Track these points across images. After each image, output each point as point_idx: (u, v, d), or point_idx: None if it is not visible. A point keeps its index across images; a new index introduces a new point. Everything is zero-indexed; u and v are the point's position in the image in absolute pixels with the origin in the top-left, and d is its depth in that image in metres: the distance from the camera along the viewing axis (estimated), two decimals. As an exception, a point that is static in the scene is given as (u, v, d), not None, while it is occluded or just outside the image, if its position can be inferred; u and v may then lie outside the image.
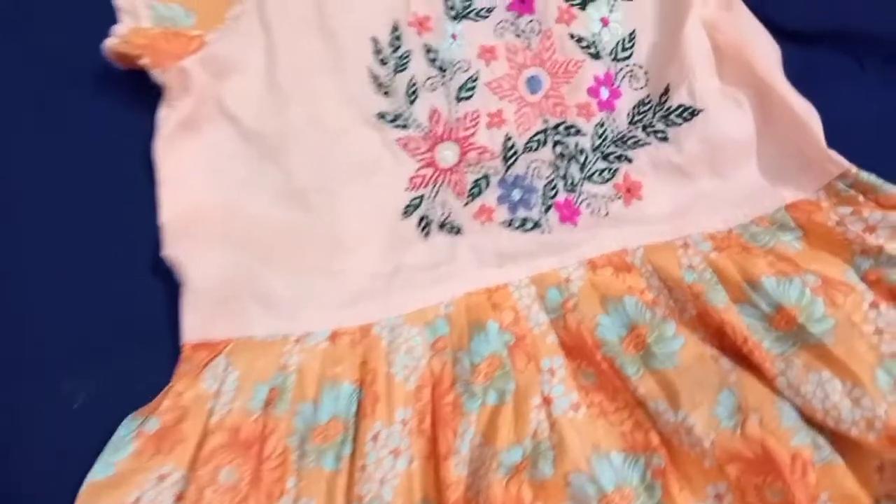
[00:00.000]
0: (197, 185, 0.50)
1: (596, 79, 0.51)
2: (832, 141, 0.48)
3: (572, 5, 0.52)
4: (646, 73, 0.51)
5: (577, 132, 0.51)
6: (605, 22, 0.52)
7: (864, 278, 0.45)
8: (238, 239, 0.49)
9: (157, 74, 0.50)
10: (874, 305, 0.44)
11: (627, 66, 0.52)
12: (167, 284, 0.48)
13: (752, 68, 0.49)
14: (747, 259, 0.46)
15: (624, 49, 0.52)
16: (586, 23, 0.52)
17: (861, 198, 0.47)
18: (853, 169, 0.47)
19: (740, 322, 0.44)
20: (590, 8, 0.52)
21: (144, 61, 0.50)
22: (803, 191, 0.48)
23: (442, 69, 0.52)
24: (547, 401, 0.44)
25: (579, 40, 0.52)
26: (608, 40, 0.52)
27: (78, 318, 0.49)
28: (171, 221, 0.48)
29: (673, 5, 0.51)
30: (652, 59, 0.52)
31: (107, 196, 0.52)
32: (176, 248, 0.48)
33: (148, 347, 0.48)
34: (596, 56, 0.52)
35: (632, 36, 0.52)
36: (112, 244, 0.50)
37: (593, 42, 0.52)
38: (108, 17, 0.52)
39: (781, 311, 0.44)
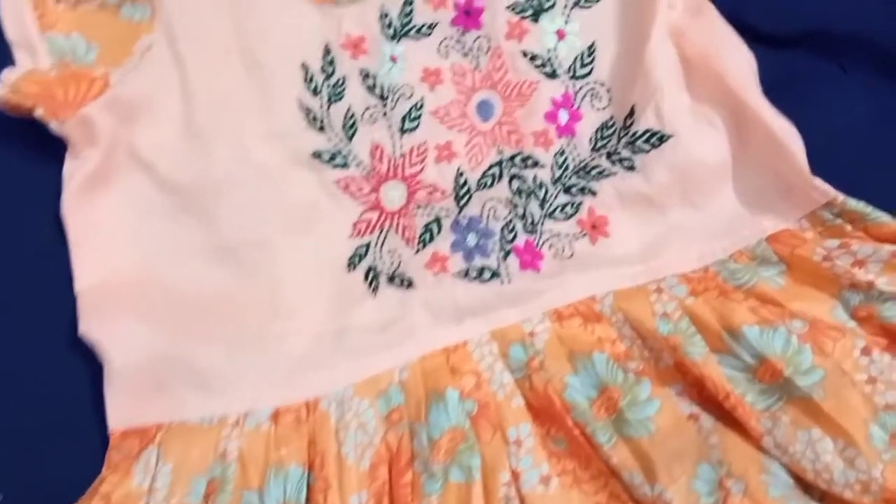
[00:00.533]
0: (114, 247, 0.45)
1: (553, 101, 0.46)
2: (815, 150, 0.44)
3: (523, 17, 0.46)
4: (608, 90, 0.46)
5: (536, 164, 0.46)
6: (560, 35, 0.47)
7: (853, 315, 0.42)
8: (162, 310, 0.44)
9: (56, 126, 0.44)
10: (866, 352, 0.41)
11: (588, 84, 0.46)
12: (89, 363, 0.44)
13: (724, 83, 0.44)
14: (726, 305, 0.42)
15: (583, 65, 0.47)
16: (540, 37, 0.47)
17: (849, 227, 0.43)
18: (839, 197, 0.43)
19: (721, 376, 0.41)
20: (543, 19, 0.47)
21: (39, 112, 0.44)
22: (785, 219, 0.44)
23: (382, 97, 0.47)
24: (515, 475, 0.40)
25: (533, 58, 0.46)
26: (565, 55, 0.47)
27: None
28: (87, 292, 0.44)
29: (636, 13, 0.46)
30: (615, 75, 0.46)
31: (12, 264, 0.46)
32: (94, 323, 0.43)
33: (71, 436, 0.43)
34: (552, 75, 0.46)
35: (591, 50, 0.47)
36: (22, 322, 0.45)
37: (549, 59, 0.46)
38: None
39: (766, 363, 0.41)
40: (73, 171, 0.45)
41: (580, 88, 0.46)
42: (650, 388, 0.42)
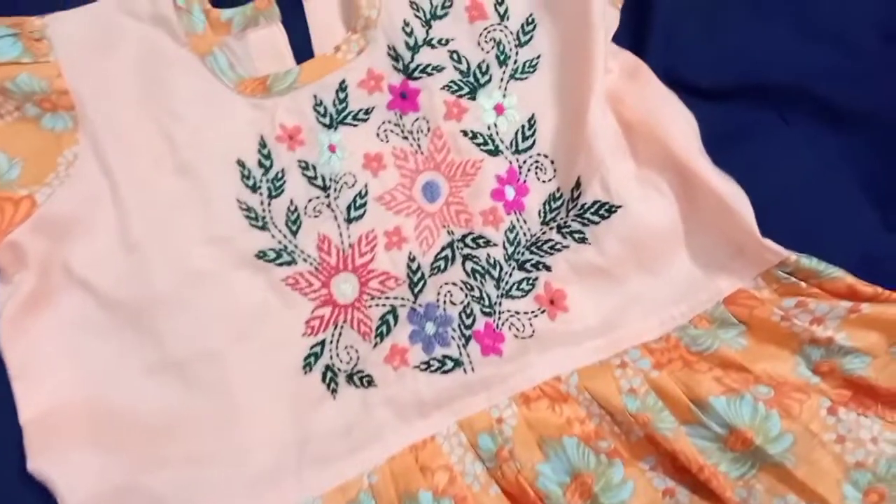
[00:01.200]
0: (56, 372, 0.43)
1: (498, 178, 0.45)
2: (762, 205, 0.44)
3: (460, 96, 0.46)
4: (552, 162, 0.46)
5: (487, 243, 0.45)
6: (499, 110, 0.46)
7: (815, 370, 0.43)
8: (113, 436, 0.42)
9: None
10: (832, 411, 0.41)
11: (531, 157, 0.46)
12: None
13: (667, 148, 0.44)
14: (692, 377, 0.42)
15: (524, 138, 0.46)
16: (479, 115, 0.46)
17: (803, 284, 0.43)
18: (792, 256, 0.43)
19: (693, 450, 0.41)
20: (480, 96, 0.46)
21: None
22: (740, 278, 0.44)
23: (324, 187, 0.45)
24: None
25: (473, 137, 0.46)
26: (506, 130, 0.46)
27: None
28: (31, 423, 0.42)
29: (573, 81, 0.46)
30: (557, 145, 0.46)
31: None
32: (42, 458, 0.41)
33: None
34: (495, 152, 0.46)
35: (531, 122, 0.46)
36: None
37: (490, 136, 0.46)
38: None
39: (735, 433, 0.41)
40: (6, 299, 0.43)
41: (524, 162, 0.46)
42: (623, 470, 0.41)
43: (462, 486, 0.41)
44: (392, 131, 0.46)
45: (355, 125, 0.46)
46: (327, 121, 0.46)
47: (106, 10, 0.46)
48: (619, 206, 0.44)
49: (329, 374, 0.44)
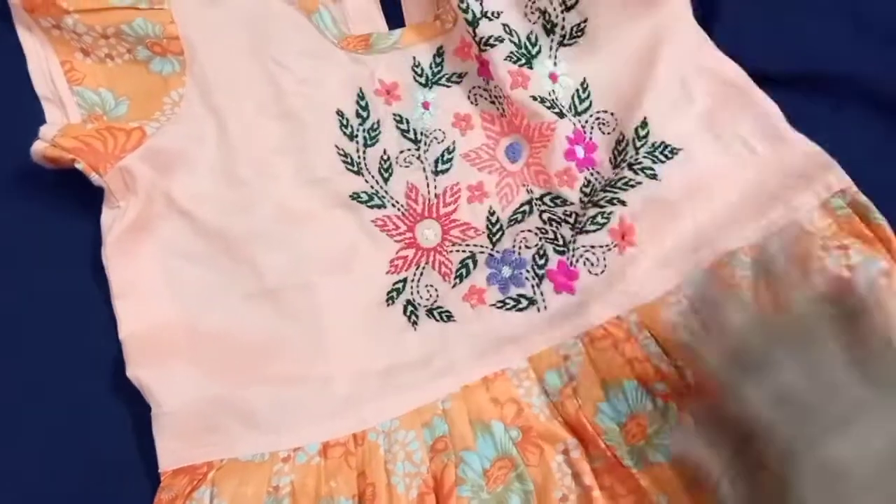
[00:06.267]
0: (157, 295, 0.45)
1: (568, 139, 0.48)
2: None
3: (521, 66, 0.49)
4: (612, 114, 0.49)
5: (564, 202, 0.48)
6: (553, 78, 0.49)
7: None
8: (209, 353, 0.45)
9: (96, 178, 0.46)
10: None
11: (591, 115, 0.49)
12: (134, 406, 0.44)
13: (743, 91, 0.48)
14: None
15: (581, 100, 0.49)
16: (540, 82, 0.49)
17: (856, 220, 0.45)
18: (853, 186, 0.45)
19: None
20: (536, 65, 0.49)
21: (79, 165, 0.45)
22: (795, 210, 0.45)
23: (415, 140, 0.49)
24: (564, 498, 0.42)
25: (542, 101, 0.48)
26: (563, 96, 0.49)
27: (34, 453, 0.44)
28: (131, 338, 0.44)
29: (628, 35, 0.49)
30: (617, 99, 0.49)
31: (52, 312, 0.47)
32: (140, 368, 0.44)
33: (119, 479, 0.44)
34: (561, 115, 0.48)
35: (584, 86, 0.49)
36: (66, 367, 0.46)
37: (553, 101, 0.49)
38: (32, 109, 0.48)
39: None
40: (113, 221, 0.46)
41: (586, 122, 0.49)
42: (676, 414, 0.43)
43: (530, 417, 0.44)
44: (481, 95, 0.50)
45: (448, 87, 0.50)
46: (423, 80, 0.50)
47: None
48: (687, 152, 0.47)
49: (409, 308, 0.47)
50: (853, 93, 0.51)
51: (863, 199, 0.45)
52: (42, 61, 0.49)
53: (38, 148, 0.45)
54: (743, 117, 0.48)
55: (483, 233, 0.48)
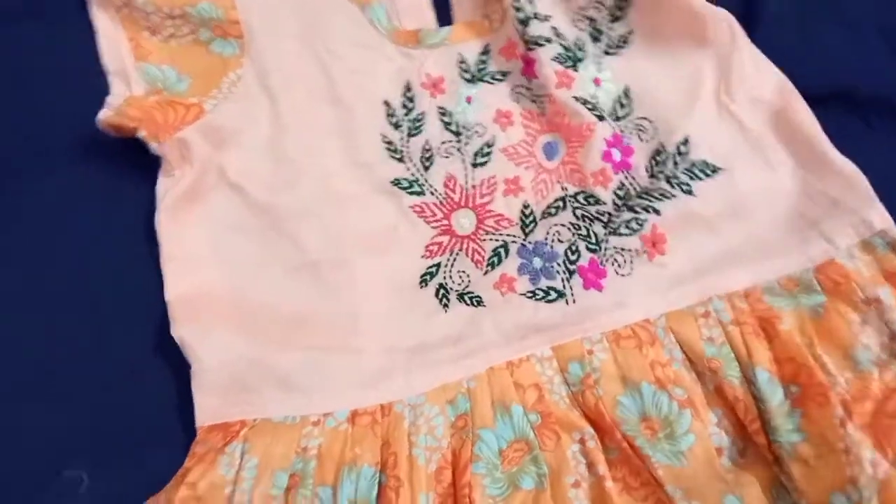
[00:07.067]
0: (204, 261, 0.48)
1: (606, 141, 0.50)
2: None
3: (566, 67, 0.51)
4: (651, 122, 0.51)
5: (598, 201, 0.50)
6: (597, 82, 0.52)
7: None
8: (249, 319, 0.47)
9: (155, 147, 0.48)
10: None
11: (631, 121, 0.51)
12: (175, 364, 0.46)
13: (790, 116, 0.50)
14: (753, 343, 0.45)
15: (622, 106, 0.51)
16: (584, 84, 0.51)
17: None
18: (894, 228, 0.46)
19: (751, 401, 0.44)
20: (580, 68, 0.51)
21: (141, 133, 0.48)
22: (836, 246, 0.47)
23: (457, 133, 0.51)
24: (576, 484, 0.43)
25: (585, 102, 0.51)
26: (604, 100, 0.51)
27: (82, 403, 0.46)
28: (177, 300, 0.46)
29: (673, 51, 0.51)
30: (657, 108, 0.51)
31: (105, 272, 0.49)
32: (184, 328, 0.46)
33: (158, 431, 0.46)
34: (601, 117, 0.51)
35: (627, 93, 0.52)
36: (114, 323, 0.48)
37: (595, 104, 0.51)
38: (97, 80, 0.51)
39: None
40: (168, 189, 0.48)
41: (626, 127, 0.51)
42: (690, 422, 0.44)
43: (550, 403, 0.45)
44: (523, 94, 0.52)
45: (492, 83, 0.52)
46: (468, 76, 0.52)
47: None
48: (728, 172, 0.49)
49: (441, 291, 0.49)
50: (885, 109, 0.53)
51: None
52: (111, 37, 0.52)
53: (105, 115, 0.48)
54: (788, 142, 0.50)
55: (517, 224, 0.50)
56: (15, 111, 0.52)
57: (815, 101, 0.51)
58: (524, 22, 0.51)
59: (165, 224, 0.48)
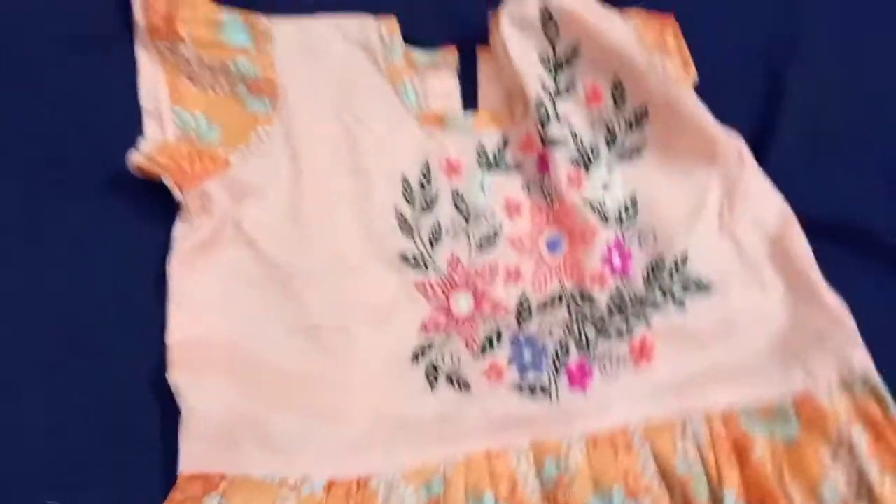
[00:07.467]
0: (209, 310, 0.49)
1: (608, 245, 0.52)
2: None
3: (578, 168, 0.53)
4: (654, 233, 0.52)
5: (592, 301, 0.52)
6: (606, 187, 0.53)
7: None
8: (245, 373, 0.48)
9: (178, 194, 0.50)
10: None
11: (634, 229, 0.53)
12: (165, 406, 0.47)
13: (787, 247, 0.51)
14: (727, 462, 0.47)
15: (628, 213, 0.53)
16: (593, 187, 0.53)
17: (874, 407, 0.47)
18: (876, 376, 0.48)
19: None
20: (592, 171, 0.53)
21: (167, 181, 0.50)
22: (815, 379, 0.48)
23: (467, 216, 0.53)
24: None
25: (592, 205, 0.53)
26: (611, 205, 0.53)
27: (71, 433, 0.48)
28: (178, 345, 0.47)
29: (681, 169, 0.53)
30: (661, 220, 0.53)
31: (113, 305, 0.51)
32: (181, 374, 0.47)
33: (138, 472, 0.47)
34: (605, 221, 0.53)
35: (633, 201, 0.53)
36: (112, 358, 0.49)
37: (600, 206, 0.53)
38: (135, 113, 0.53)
39: None
40: (184, 235, 0.50)
41: (628, 232, 0.53)
42: None
43: (520, 498, 0.46)
44: (535, 187, 0.54)
45: (507, 174, 0.54)
46: (485, 164, 0.54)
47: (324, 26, 0.56)
48: (721, 291, 0.51)
49: (431, 371, 0.50)
50: (880, 248, 0.55)
51: (881, 389, 0.48)
52: (151, 77, 0.54)
53: (135, 158, 0.50)
54: (783, 270, 0.52)
55: (512, 313, 0.52)
56: (52, 136, 0.54)
57: (815, 230, 0.53)
58: (544, 121, 0.53)
59: (177, 269, 0.49)
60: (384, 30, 0.56)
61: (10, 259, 0.51)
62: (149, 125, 0.53)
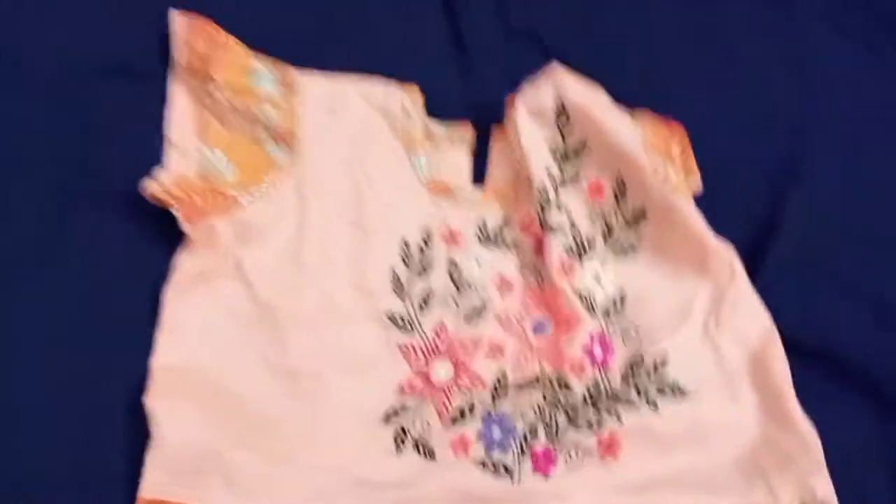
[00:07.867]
0: (195, 340, 0.50)
1: (591, 336, 0.53)
2: None
3: (571, 257, 0.55)
4: (638, 331, 0.54)
5: (569, 388, 0.52)
6: (597, 279, 0.55)
7: None
8: (219, 408, 0.49)
9: (185, 226, 0.51)
10: None
11: (619, 324, 0.54)
12: (135, 427, 0.48)
13: (765, 364, 0.52)
14: None
15: (615, 307, 0.54)
16: (584, 278, 0.55)
17: None
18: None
19: None
20: (585, 261, 0.55)
21: (176, 212, 0.51)
22: (776, 498, 0.49)
23: (459, 286, 0.55)
24: None
25: (580, 295, 0.54)
26: (600, 298, 0.54)
27: (39, 447, 0.48)
28: (160, 370, 0.48)
29: (671, 274, 0.55)
30: (646, 321, 0.54)
31: (105, 323, 0.52)
32: (157, 399, 0.47)
33: (99, 491, 0.47)
34: (592, 312, 0.54)
35: (622, 297, 0.55)
36: (93, 374, 0.50)
37: (589, 297, 0.54)
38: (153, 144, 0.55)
39: None
40: (184, 265, 0.51)
41: (613, 327, 0.54)
42: None
43: None
44: (528, 269, 0.55)
45: (503, 252, 0.56)
46: (483, 239, 0.56)
47: (348, 87, 0.58)
48: (695, 398, 0.52)
49: (400, 434, 0.51)
50: (860, 380, 0.55)
51: None
52: (180, 112, 0.56)
53: (150, 187, 0.52)
54: (759, 386, 0.53)
55: (489, 388, 0.52)
56: (77, 157, 0.56)
57: (797, 352, 0.54)
58: (545, 206, 0.55)
59: (172, 297, 0.50)
60: (407, 100, 0.58)
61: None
62: (170, 158, 0.55)
